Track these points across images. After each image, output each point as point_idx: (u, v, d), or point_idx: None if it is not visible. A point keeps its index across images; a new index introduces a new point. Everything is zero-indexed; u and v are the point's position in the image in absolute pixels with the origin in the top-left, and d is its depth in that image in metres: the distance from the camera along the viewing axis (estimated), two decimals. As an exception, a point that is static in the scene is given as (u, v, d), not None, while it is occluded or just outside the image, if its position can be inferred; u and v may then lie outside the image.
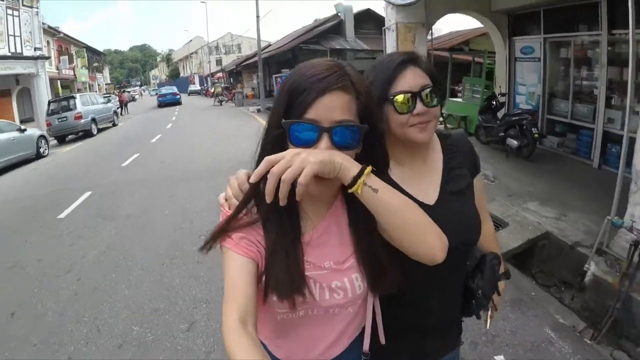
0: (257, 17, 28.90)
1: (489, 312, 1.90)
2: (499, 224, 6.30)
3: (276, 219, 1.29)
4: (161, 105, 47.95)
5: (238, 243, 1.25)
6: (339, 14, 26.83)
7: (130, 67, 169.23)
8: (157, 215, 8.79)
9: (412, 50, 1.70)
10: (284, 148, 1.19)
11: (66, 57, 40.10)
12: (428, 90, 1.56)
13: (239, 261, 1.22)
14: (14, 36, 25.80)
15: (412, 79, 1.56)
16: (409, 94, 1.54)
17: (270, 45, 43.12)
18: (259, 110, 26.73)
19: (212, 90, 50.25)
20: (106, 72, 72.55)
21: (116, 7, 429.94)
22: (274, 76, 28.85)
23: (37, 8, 28.26)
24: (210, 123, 24.60)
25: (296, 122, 1.18)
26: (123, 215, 8.83)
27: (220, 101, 41.26)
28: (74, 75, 43.59)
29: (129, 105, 45.96)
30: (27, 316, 5.17)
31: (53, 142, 21.44)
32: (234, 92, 41.23)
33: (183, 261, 6.28)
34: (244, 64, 45.17)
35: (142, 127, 27.22)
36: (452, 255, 1.50)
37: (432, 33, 15.36)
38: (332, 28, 27.39)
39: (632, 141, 4.98)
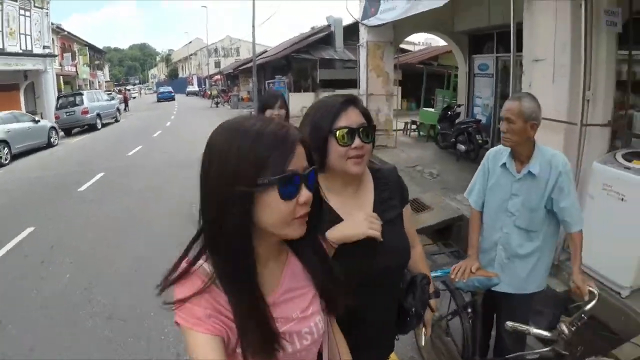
0: (253, 26, 30.83)
1: (423, 329, 2.12)
2: (424, 208, 7.98)
3: (236, 284, 1.24)
4: (160, 100, 62.09)
5: (205, 322, 1.19)
6: (330, 26, 27.81)
7: (129, 65, 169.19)
8: (163, 190, 11.06)
9: (351, 94, 1.91)
10: (251, 210, 1.18)
11: (69, 54, 41.40)
12: (363, 128, 1.77)
13: (206, 341, 1.17)
14: (25, 35, 27.80)
15: (352, 117, 1.77)
16: (349, 129, 1.74)
17: (267, 51, 44.56)
18: (251, 112, 28.14)
19: (210, 92, 52.87)
20: (106, 69, 73.65)
21: (118, 5, 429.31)
22: (266, 82, 30.46)
23: (47, 9, 30.35)
24: (206, 122, 26.32)
25: (283, 176, 1.17)
26: (135, 190, 11.06)
27: (217, 103, 43.25)
28: (76, 71, 44.98)
29: (129, 102, 48.50)
30: (67, 246, 7.53)
31: (60, 133, 23.59)
32: (230, 95, 43.31)
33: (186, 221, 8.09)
34: (241, 68, 47.12)
35: (143, 123, 29.65)
36: (387, 275, 1.86)
37: (400, 50, 17.01)
38: (323, 38, 28.29)
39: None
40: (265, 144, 1.17)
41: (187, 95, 74.48)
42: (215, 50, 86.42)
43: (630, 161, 4.39)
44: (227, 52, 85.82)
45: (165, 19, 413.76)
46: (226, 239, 1.21)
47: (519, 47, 5.80)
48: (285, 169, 1.17)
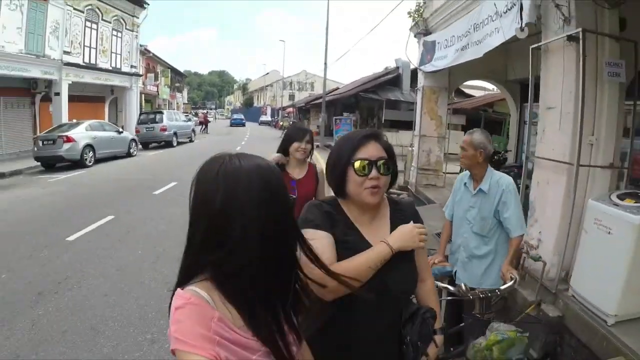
0: (325, 64, 32.58)
1: None
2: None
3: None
4: (232, 125, 70.60)
5: (198, 345, 1.19)
6: (399, 68, 28.47)
7: (207, 90, 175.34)
8: None
9: (375, 129, 2.12)
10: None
11: (153, 74, 44.02)
12: (382, 161, 1.95)
13: None
14: (116, 53, 30.33)
15: (371, 150, 1.96)
16: (367, 161, 1.93)
17: (339, 88, 46.03)
18: (317, 146, 29.21)
19: (281, 124, 54.96)
20: (185, 92, 76.77)
21: (201, 32, 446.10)
22: (334, 118, 31.55)
23: (136, 32, 33.02)
24: (273, 151, 27.76)
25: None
26: None
27: None
28: (157, 91, 47.50)
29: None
30: (141, 232, 9.20)
31: (139, 146, 25.75)
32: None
33: None
34: (313, 102, 49.08)
35: (216, 146, 31.18)
36: (388, 299, 1.95)
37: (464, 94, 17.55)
38: (391, 80, 28.86)
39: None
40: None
41: (259, 124, 77.34)
42: (291, 83, 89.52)
43: (622, 199, 5.01)
44: (302, 86, 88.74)
45: (245, 49, 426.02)
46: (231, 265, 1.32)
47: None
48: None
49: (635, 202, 4.64)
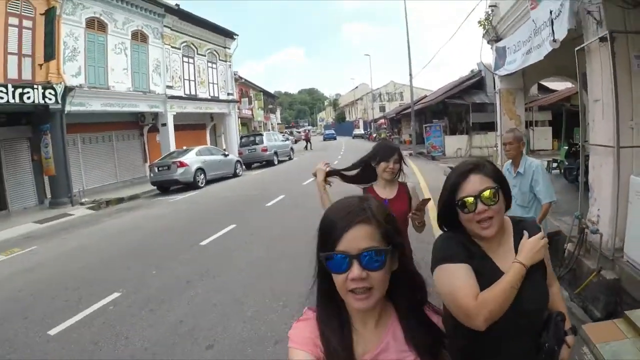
0: (410, 75, 33.80)
1: None
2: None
3: (326, 335, 1.45)
4: (325, 139, 77.65)
5: (304, 343, 1.44)
6: (482, 71, 28.82)
7: (298, 109, 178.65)
8: None
9: (478, 159, 2.16)
10: (331, 277, 1.43)
11: (246, 99, 46.36)
12: (487, 192, 1.97)
13: (305, 358, 1.40)
14: (212, 83, 32.93)
15: (473, 184, 2.00)
16: (470, 197, 1.98)
17: (427, 96, 46.77)
18: (410, 154, 30.36)
19: (375, 135, 56.85)
20: (278, 112, 79.29)
21: (287, 52, 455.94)
22: (424, 125, 32.50)
23: (230, 62, 35.58)
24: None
25: (329, 255, 1.39)
26: (308, 207, 14.16)
27: None
28: (252, 114, 50.02)
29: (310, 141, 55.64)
30: (262, 235, 10.93)
31: (243, 167, 27.95)
32: (392, 138, 46.11)
33: None
34: (403, 112, 49.99)
35: (314, 161, 32.96)
36: (526, 317, 2.00)
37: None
38: (475, 84, 29.49)
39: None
40: (328, 224, 1.44)
41: (353, 138, 78.66)
42: (380, 95, 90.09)
43: None
44: (392, 97, 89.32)
45: (332, 65, 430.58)
46: (318, 294, 1.51)
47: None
48: (334, 248, 1.37)
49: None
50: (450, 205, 2.07)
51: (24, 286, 8.52)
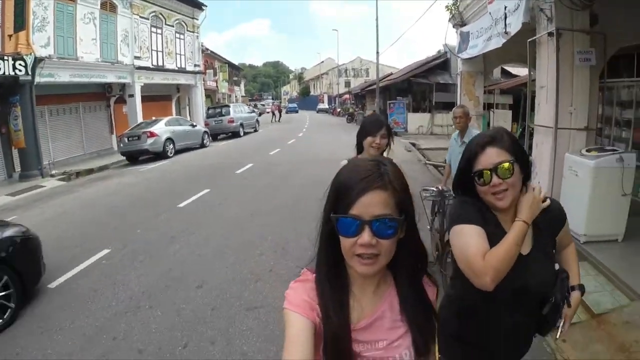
0: (377, 52, 34.93)
1: (561, 322, 2.20)
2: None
3: (325, 300, 1.43)
4: (288, 112, 77.59)
5: (301, 306, 1.41)
6: (447, 53, 29.32)
7: (262, 82, 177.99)
8: (295, 174, 15.33)
9: (497, 130, 2.16)
10: (336, 239, 1.40)
11: (211, 71, 46.12)
12: (504, 164, 2.00)
13: (300, 322, 1.38)
14: (180, 54, 33.26)
15: (489, 157, 2.03)
16: (485, 170, 2.02)
17: (392, 73, 47.65)
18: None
19: (339, 110, 58.35)
20: (242, 85, 79.56)
21: (253, 25, 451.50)
22: (388, 102, 33.62)
23: (197, 33, 35.96)
24: (330, 136, 31.36)
25: (342, 217, 1.36)
26: (275, 174, 15.46)
27: (352, 119, 47.10)
28: (216, 86, 50.30)
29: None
30: (234, 199, 11.89)
31: (209, 138, 28.63)
32: (356, 113, 47.16)
33: (309, 189, 11.86)
34: (368, 88, 51.48)
35: (279, 134, 34.66)
36: (531, 298, 2.11)
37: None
38: (440, 64, 30.64)
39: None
40: (343, 185, 1.39)
41: (317, 112, 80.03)
42: (346, 70, 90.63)
43: (589, 152, 6.95)
44: (357, 73, 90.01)
45: (298, 39, 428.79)
46: (320, 255, 1.50)
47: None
48: (347, 211, 1.34)
49: (595, 153, 6.69)
50: (466, 175, 2.14)
51: (71, 229, 9.74)
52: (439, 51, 36.83)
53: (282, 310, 1.46)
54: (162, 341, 5.07)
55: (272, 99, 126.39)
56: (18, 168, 18.94)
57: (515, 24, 8.68)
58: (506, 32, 9.13)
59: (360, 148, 4.01)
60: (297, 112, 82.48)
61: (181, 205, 11.56)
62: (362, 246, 1.34)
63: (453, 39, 15.51)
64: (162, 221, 10.17)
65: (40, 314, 6.00)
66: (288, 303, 1.44)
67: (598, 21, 7.56)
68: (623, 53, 8.59)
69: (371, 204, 1.34)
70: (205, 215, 10.53)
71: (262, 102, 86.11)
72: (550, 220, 2.22)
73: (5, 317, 5.60)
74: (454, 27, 15.05)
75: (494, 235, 2.09)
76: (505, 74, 25.61)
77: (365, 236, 1.33)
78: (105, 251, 8.25)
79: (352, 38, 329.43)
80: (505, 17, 8.83)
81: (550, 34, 7.44)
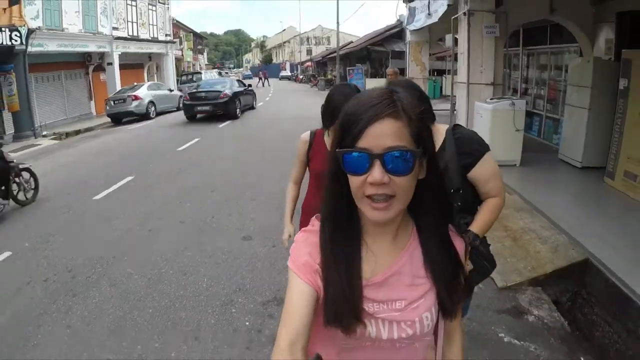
0: (337, 23, 37.50)
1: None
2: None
3: (327, 247, 1.28)
4: (244, 78, 69.77)
5: (301, 269, 1.26)
6: (402, 23, 30.81)
7: (224, 50, 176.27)
8: (268, 130, 17.88)
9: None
10: (345, 180, 1.20)
11: (177, 40, 47.48)
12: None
13: (301, 286, 1.23)
14: (152, 25, 35.22)
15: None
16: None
17: (352, 42, 50.14)
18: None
19: (301, 77, 61.09)
20: (205, 54, 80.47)
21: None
22: (347, 69, 36.24)
23: (168, 4, 38.02)
24: (297, 98, 34.92)
25: (347, 151, 1.15)
26: (251, 129, 18.18)
27: (316, 85, 49.41)
28: (182, 55, 51.44)
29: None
30: (223, 145, 14.46)
31: None
32: (318, 79, 49.70)
33: (278, 143, 14.59)
34: (329, 56, 54.31)
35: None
36: None
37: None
38: (396, 33, 31.70)
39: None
40: (349, 116, 1.18)
41: (280, 79, 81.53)
42: (308, 38, 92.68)
43: (491, 99, 9.57)
44: (319, 41, 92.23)
45: (259, 7, 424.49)
46: (325, 200, 1.31)
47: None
48: (354, 144, 1.14)
49: (495, 101, 9.30)
50: None
51: (51, 182, 10.77)
52: (398, 19, 39.20)
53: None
54: (196, 216, 7.91)
55: (234, 67, 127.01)
56: (10, 130, 20.46)
57: (442, 7, 11.26)
58: (429, 13, 11.73)
59: (327, 124, 3.08)
60: (251, 78, 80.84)
61: (180, 149, 14.24)
62: (372, 185, 1.14)
63: (406, 12, 18.08)
64: (168, 159, 12.83)
65: (97, 209, 8.70)
66: (291, 261, 1.31)
67: (502, 3, 9.97)
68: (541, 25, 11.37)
69: (382, 134, 1.13)
70: (203, 155, 13.15)
71: (226, 71, 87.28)
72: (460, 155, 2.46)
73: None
74: (403, 1, 17.60)
75: None
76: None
77: (376, 172, 1.12)
78: (129, 178, 10.82)
79: (313, 6, 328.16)
80: (429, 3, 11.43)
81: (464, 14, 9.99)
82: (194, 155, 13.16)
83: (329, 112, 3.00)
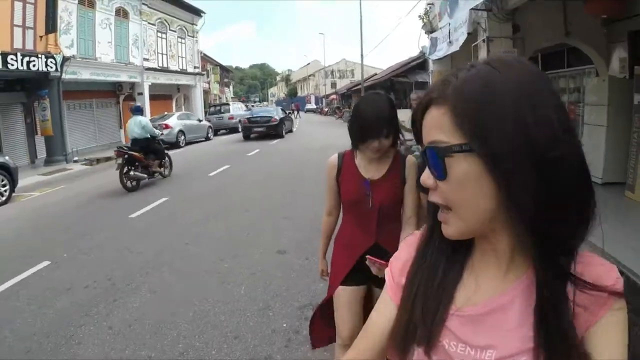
0: (362, 55, 38.21)
1: None
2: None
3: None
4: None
5: (390, 281, 1.10)
6: (424, 54, 31.61)
7: (249, 84, 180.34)
8: (296, 157, 18.24)
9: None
10: None
11: (205, 72, 48.82)
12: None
13: (384, 305, 1.08)
14: (181, 57, 36.16)
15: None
16: None
17: (377, 74, 50.86)
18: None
19: (326, 110, 61.78)
20: (231, 87, 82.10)
21: (239, 26, 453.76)
22: (370, 98, 36.52)
23: (197, 38, 38.93)
24: (323, 129, 35.28)
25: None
26: (279, 157, 18.50)
27: (341, 116, 50.31)
28: (209, 87, 52.52)
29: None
30: (250, 172, 14.86)
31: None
32: (343, 112, 50.41)
33: (307, 169, 14.95)
34: (353, 89, 55.80)
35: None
36: None
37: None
38: (419, 64, 32.41)
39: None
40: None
41: (305, 112, 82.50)
42: (332, 72, 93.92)
43: None
44: (343, 74, 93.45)
45: (284, 41, 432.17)
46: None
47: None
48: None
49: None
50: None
51: (84, 201, 11.78)
52: (421, 50, 39.81)
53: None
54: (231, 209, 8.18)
55: (259, 100, 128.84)
56: (41, 155, 21.16)
57: (462, 35, 11.63)
58: (450, 42, 12.13)
59: (356, 142, 2.72)
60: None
61: (211, 174, 14.65)
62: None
63: (428, 42, 18.54)
64: (203, 183, 13.18)
65: (134, 225, 9.08)
66: (389, 269, 1.14)
67: (520, 29, 10.33)
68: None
69: (425, 126, 0.93)
70: (233, 182, 13.36)
71: (252, 104, 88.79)
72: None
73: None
74: (425, 33, 18.02)
75: None
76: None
77: (425, 172, 0.92)
78: (164, 199, 11.21)
79: (337, 40, 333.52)
80: (449, 32, 11.85)
81: (483, 41, 10.37)
82: (223, 182, 13.53)
83: (357, 126, 2.64)
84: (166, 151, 14.48)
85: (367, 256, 2.41)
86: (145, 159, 13.32)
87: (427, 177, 0.92)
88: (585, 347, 0.85)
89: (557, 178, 0.80)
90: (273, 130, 28.52)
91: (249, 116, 30.05)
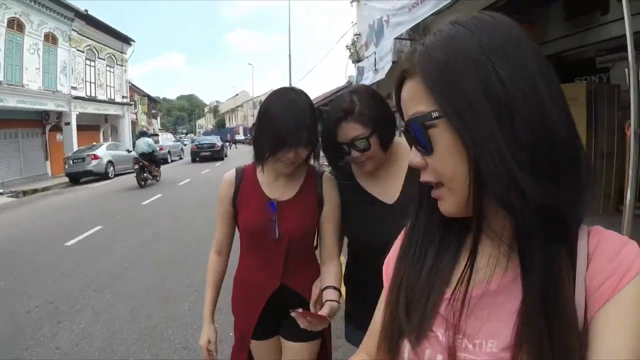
0: (290, 84, 38.90)
1: None
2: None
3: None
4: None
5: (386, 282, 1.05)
6: (352, 83, 32.56)
7: (177, 116, 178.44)
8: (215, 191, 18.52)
9: (352, 100, 1.91)
10: None
11: (132, 103, 47.85)
12: (359, 140, 1.88)
13: (380, 318, 1.02)
14: (109, 86, 35.67)
15: (344, 133, 1.89)
16: (344, 145, 1.91)
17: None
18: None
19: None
20: (159, 118, 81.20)
21: (167, 58, 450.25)
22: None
23: (125, 67, 38.60)
24: (249, 157, 34.64)
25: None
26: (212, 186, 18.34)
27: None
28: (137, 118, 51.29)
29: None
30: (187, 198, 14.87)
31: None
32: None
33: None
34: (282, 118, 54.64)
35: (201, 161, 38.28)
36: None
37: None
38: None
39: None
40: None
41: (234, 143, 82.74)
42: (260, 102, 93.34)
43: None
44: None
45: (212, 72, 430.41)
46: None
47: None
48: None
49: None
50: (331, 146, 1.97)
51: (18, 232, 11.41)
52: (348, 79, 40.87)
53: None
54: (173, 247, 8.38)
55: (187, 132, 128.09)
56: None
57: (388, 63, 12.32)
58: (376, 70, 12.89)
59: (263, 153, 2.17)
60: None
61: (144, 203, 14.69)
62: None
63: (355, 71, 19.36)
64: (131, 213, 13.07)
65: (69, 253, 9.04)
66: (384, 270, 1.09)
67: None
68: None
69: (404, 102, 0.90)
70: (168, 208, 13.53)
71: (179, 136, 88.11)
72: None
73: None
74: (353, 62, 18.81)
75: (353, 198, 2.13)
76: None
77: (411, 152, 0.89)
78: (98, 227, 11.12)
79: (266, 70, 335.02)
80: (375, 61, 12.61)
81: (400, 70, 11.10)
82: (156, 210, 13.63)
83: (268, 133, 2.08)
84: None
85: (295, 310, 1.82)
86: (149, 166, 19.53)
87: (414, 156, 0.88)
88: (594, 329, 0.75)
89: (524, 134, 0.74)
90: (216, 154, 36.90)
91: (196, 143, 38.36)
